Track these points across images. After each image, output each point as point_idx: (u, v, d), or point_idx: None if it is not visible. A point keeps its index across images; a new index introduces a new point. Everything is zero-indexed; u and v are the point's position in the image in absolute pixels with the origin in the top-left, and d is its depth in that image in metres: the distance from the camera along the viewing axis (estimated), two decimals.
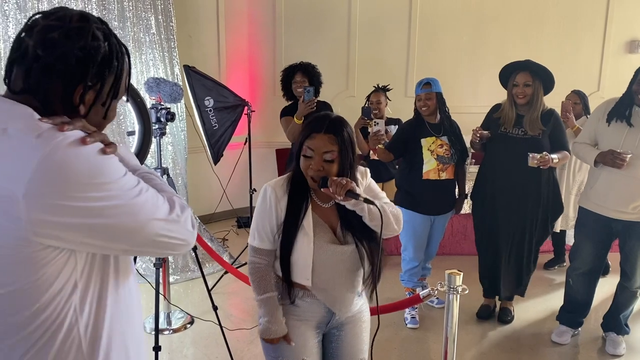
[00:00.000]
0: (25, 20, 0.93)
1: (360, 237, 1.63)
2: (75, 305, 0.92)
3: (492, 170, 3.11)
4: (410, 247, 3.23)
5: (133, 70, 3.66)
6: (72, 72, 0.91)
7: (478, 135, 3.01)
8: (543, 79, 2.95)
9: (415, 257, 3.24)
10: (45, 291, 0.88)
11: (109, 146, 0.92)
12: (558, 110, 3.14)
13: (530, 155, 2.82)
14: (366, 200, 1.50)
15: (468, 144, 3.27)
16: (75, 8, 3.67)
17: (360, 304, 1.76)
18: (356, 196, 1.50)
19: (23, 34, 0.91)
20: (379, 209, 1.51)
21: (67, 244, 0.88)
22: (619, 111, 2.71)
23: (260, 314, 1.64)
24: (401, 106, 4.27)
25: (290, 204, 1.61)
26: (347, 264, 1.63)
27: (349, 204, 1.55)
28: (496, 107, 3.15)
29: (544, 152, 2.83)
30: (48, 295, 0.89)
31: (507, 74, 3.03)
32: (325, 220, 1.64)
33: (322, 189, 1.54)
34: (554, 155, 2.88)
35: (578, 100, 3.94)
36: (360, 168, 1.70)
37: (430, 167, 3.08)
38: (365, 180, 1.71)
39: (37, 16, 0.92)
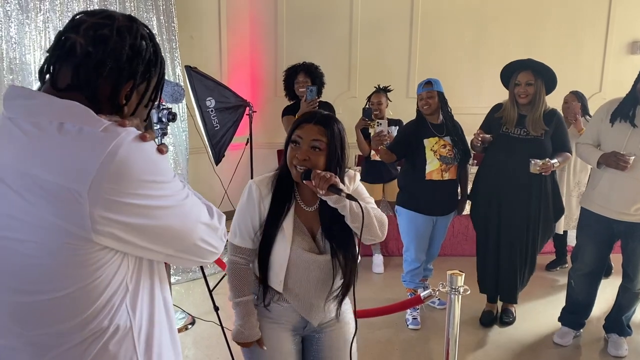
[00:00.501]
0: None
1: (338, 247, 1.59)
2: (127, 309, 0.92)
3: (493, 171, 3.09)
4: (412, 248, 3.22)
5: None
6: (121, 69, 0.90)
7: (480, 138, 2.98)
8: (545, 78, 2.93)
9: (417, 257, 3.23)
10: (101, 293, 0.87)
11: (161, 146, 0.92)
12: (560, 111, 3.13)
13: (532, 162, 2.81)
14: (349, 197, 1.46)
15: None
16: (76, 8, 3.64)
17: (343, 308, 1.71)
18: (338, 191, 1.45)
19: (66, 33, 0.89)
20: (361, 207, 1.47)
21: (122, 245, 0.87)
22: (623, 111, 2.70)
23: (235, 316, 1.63)
24: (402, 107, 4.27)
25: (274, 203, 1.58)
26: (322, 274, 1.60)
27: (331, 201, 1.50)
28: (497, 107, 3.13)
29: (546, 159, 2.83)
30: (104, 297, 0.88)
31: (509, 73, 3.02)
32: (306, 224, 1.61)
33: (304, 182, 1.50)
34: (554, 160, 2.87)
35: (576, 101, 3.95)
36: (350, 172, 1.67)
37: (433, 168, 3.07)
38: (352, 185, 1.67)
39: (80, 15, 0.91)
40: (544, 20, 5.73)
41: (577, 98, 3.95)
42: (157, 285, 1.00)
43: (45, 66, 0.91)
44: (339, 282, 1.62)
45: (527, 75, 2.92)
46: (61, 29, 0.93)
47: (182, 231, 0.92)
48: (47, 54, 0.92)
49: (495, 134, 3.03)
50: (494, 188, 3.08)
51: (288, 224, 1.56)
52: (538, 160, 2.81)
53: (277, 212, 1.57)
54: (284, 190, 1.59)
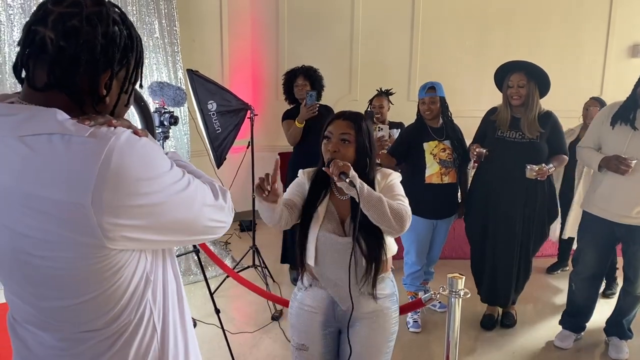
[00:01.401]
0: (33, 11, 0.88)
1: (359, 231, 1.66)
2: (149, 298, 0.94)
3: (489, 175, 3.08)
4: (413, 251, 3.23)
5: None
6: (97, 60, 0.86)
7: (475, 153, 2.98)
8: (538, 80, 2.92)
9: (418, 261, 3.24)
10: (125, 290, 0.90)
11: (137, 130, 0.90)
12: (558, 113, 3.12)
13: (529, 167, 2.82)
14: (351, 183, 1.55)
15: None
16: None
17: (377, 307, 1.77)
18: (345, 177, 1.55)
19: (34, 25, 0.84)
20: (357, 194, 1.55)
21: (137, 244, 0.87)
22: (623, 114, 2.71)
23: None
24: (404, 110, 4.27)
25: (311, 190, 1.80)
26: (342, 256, 1.68)
27: (344, 187, 1.60)
28: (492, 111, 3.13)
29: (541, 164, 2.83)
30: (128, 293, 0.90)
31: (503, 75, 3.02)
32: (339, 211, 1.76)
33: (323, 169, 1.66)
34: (550, 165, 2.88)
35: (598, 107, 3.94)
36: (386, 170, 1.81)
37: (432, 171, 3.08)
38: (385, 181, 1.78)
39: (46, 4, 0.85)
40: (545, 23, 5.73)
41: (598, 104, 3.95)
42: (172, 272, 1.02)
43: (19, 63, 0.87)
44: (362, 267, 1.69)
45: (519, 77, 2.92)
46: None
47: (190, 218, 0.93)
48: (18, 48, 0.86)
49: (491, 137, 3.03)
50: (490, 191, 3.08)
51: (322, 208, 1.75)
52: (534, 166, 2.81)
53: (314, 196, 1.78)
54: (321, 181, 1.80)
